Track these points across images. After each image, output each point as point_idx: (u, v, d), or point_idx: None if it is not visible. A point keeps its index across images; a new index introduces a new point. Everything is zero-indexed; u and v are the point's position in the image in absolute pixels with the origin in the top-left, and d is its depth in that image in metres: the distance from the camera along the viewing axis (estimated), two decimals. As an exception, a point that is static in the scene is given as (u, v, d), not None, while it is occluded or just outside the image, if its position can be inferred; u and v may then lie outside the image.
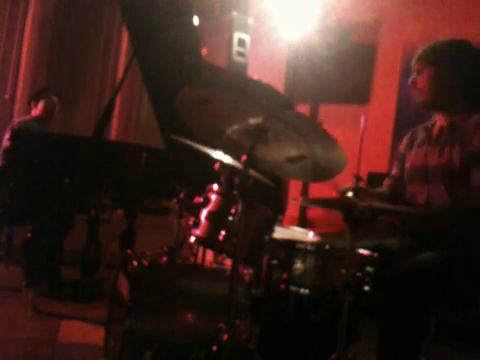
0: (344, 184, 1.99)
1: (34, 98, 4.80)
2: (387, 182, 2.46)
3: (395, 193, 2.37)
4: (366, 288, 1.81)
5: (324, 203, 2.11)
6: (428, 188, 2.20)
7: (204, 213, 2.03)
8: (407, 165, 2.36)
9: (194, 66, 3.48)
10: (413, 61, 2.31)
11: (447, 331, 2.37)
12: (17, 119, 5.06)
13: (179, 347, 1.99)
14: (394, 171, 2.46)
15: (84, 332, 3.11)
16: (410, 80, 2.31)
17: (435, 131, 2.29)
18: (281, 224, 2.18)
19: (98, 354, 2.32)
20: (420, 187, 2.24)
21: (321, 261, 1.83)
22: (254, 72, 4.23)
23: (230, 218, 1.94)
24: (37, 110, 4.72)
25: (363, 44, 4.77)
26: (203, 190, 2.08)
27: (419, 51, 2.29)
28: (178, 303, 2.08)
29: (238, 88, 3.45)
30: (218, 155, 2.29)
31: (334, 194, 2.04)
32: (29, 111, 4.88)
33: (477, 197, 2.06)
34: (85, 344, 2.92)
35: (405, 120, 4.37)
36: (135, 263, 2.13)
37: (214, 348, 1.73)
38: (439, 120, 2.30)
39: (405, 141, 2.44)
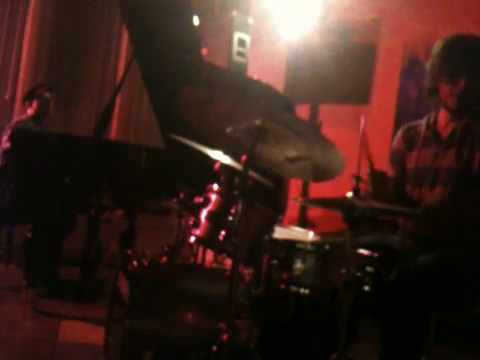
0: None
1: (27, 97, 4.77)
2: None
3: (400, 195, 2.30)
4: (366, 288, 1.81)
5: (324, 203, 2.11)
6: (437, 190, 2.16)
7: (204, 213, 2.03)
8: (410, 165, 2.29)
9: (194, 66, 3.48)
10: (438, 54, 2.17)
11: (447, 331, 2.36)
12: (14, 119, 5.04)
13: (179, 347, 1.99)
14: (391, 173, 2.37)
15: (84, 332, 3.11)
16: (445, 83, 2.17)
17: (444, 131, 2.23)
18: (281, 224, 2.18)
19: (98, 354, 2.32)
20: (427, 189, 2.19)
21: (321, 261, 1.83)
22: (254, 72, 4.23)
23: (230, 218, 1.94)
24: (32, 109, 4.69)
25: (363, 44, 4.77)
26: (203, 190, 2.08)
27: (451, 45, 2.16)
28: (178, 303, 2.08)
29: (238, 88, 3.45)
30: (218, 155, 2.29)
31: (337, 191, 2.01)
32: (25, 110, 4.86)
33: None
34: (85, 344, 2.91)
35: (405, 120, 4.34)
36: (135, 263, 2.13)
37: (214, 348, 1.73)
38: (446, 120, 2.24)
39: (401, 139, 2.36)
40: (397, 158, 2.37)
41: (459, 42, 2.18)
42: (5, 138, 4.25)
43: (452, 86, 2.15)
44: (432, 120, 2.29)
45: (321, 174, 1.92)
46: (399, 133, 2.39)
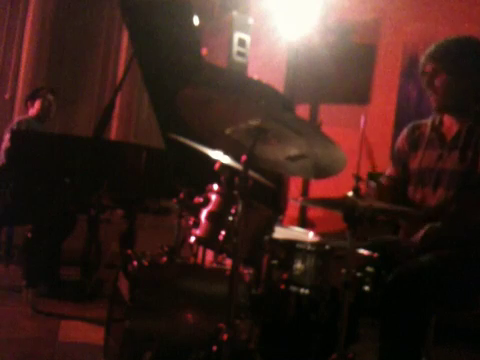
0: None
1: (30, 97, 4.81)
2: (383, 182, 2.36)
3: (395, 194, 2.31)
4: (366, 288, 1.81)
5: (324, 203, 2.11)
6: (439, 192, 2.15)
7: (204, 213, 2.03)
8: (413, 166, 2.28)
9: (194, 66, 3.48)
10: (424, 60, 2.22)
11: (447, 331, 2.36)
12: (16, 118, 5.06)
13: (179, 347, 1.99)
14: (391, 171, 2.37)
15: (84, 332, 3.11)
16: (424, 83, 2.22)
17: (448, 133, 2.22)
18: (281, 224, 2.18)
19: (98, 354, 2.32)
20: (430, 190, 2.19)
21: (321, 261, 1.83)
22: (254, 72, 4.23)
23: (230, 218, 1.94)
24: (34, 109, 4.73)
25: (363, 44, 4.78)
26: (203, 190, 2.08)
27: (431, 51, 2.20)
28: (178, 303, 2.08)
29: (238, 88, 3.45)
30: (218, 155, 2.29)
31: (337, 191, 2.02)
32: (27, 110, 4.89)
33: None
34: (85, 344, 2.92)
35: (405, 120, 4.34)
36: (135, 263, 2.13)
37: (214, 348, 1.73)
38: (450, 121, 2.23)
39: (405, 139, 2.35)
40: (398, 157, 2.37)
41: (435, 49, 2.20)
42: (7, 137, 4.26)
43: (432, 89, 2.18)
44: (437, 121, 2.29)
45: (322, 171, 1.92)
46: (404, 132, 2.38)
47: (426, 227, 2.08)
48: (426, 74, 2.21)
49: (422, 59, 2.23)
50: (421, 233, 2.08)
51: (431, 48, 2.22)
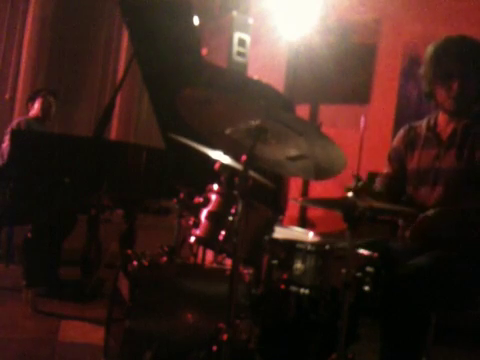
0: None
1: (31, 98, 4.85)
2: (380, 181, 2.38)
3: (392, 193, 2.31)
4: (366, 288, 1.81)
5: (324, 203, 2.11)
6: (437, 190, 2.16)
7: (204, 213, 2.03)
8: (411, 166, 2.29)
9: (194, 66, 3.48)
10: (434, 60, 2.18)
11: (447, 331, 2.36)
12: (16, 118, 5.08)
13: (179, 347, 1.99)
14: (388, 170, 2.38)
15: (84, 332, 3.11)
16: (430, 84, 2.20)
17: (444, 132, 2.23)
18: (281, 224, 2.18)
19: (98, 354, 2.32)
20: (428, 189, 2.19)
21: (321, 261, 1.83)
22: (254, 72, 4.23)
23: (230, 218, 1.94)
24: (34, 110, 4.76)
25: (363, 44, 4.78)
26: (203, 190, 2.08)
27: (442, 49, 2.16)
28: (178, 303, 2.08)
29: (238, 88, 3.45)
30: (218, 155, 2.29)
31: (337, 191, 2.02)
32: (27, 112, 4.91)
33: None
34: (85, 344, 2.91)
35: (405, 120, 4.35)
36: (135, 263, 2.13)
37: (214, 348, 1.73)
38: (445, 121, 2.24)
39: (401, 139, 2.36)
40: (396, 156, 2.37)
41: (449, 45, 2.18)
42: (7, 137, 4.28)
43: (447, 89, 2.16)
44: (432, 121, 2.29)
45: (322, 172, 1.92)
46: (401, 132, 2.39)
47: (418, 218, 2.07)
48: (440, 76, 2.17)
49: (430, 59, 2.20)
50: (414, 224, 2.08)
51: (438, 49, 2.18)
